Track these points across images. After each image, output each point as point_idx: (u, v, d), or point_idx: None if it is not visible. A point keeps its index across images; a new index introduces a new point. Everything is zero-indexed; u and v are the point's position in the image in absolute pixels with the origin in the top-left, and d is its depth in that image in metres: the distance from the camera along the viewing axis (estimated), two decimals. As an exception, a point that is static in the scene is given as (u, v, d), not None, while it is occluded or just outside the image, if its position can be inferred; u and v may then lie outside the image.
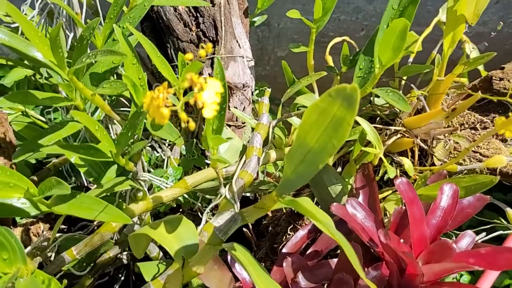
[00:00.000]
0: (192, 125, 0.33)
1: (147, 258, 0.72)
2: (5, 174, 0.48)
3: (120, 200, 0.68)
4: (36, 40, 0.45)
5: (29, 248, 0.58)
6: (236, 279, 0.60)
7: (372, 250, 0.61)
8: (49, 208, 0.53)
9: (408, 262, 0.47)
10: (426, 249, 0.49)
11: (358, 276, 0.54)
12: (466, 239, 0.53)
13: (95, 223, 0.75)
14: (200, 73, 0.72)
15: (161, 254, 0.73)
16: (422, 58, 0.84)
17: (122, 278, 0.76)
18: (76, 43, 0.53)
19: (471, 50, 0.83)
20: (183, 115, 0.32)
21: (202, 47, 0.34)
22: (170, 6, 0.74)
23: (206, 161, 0.74)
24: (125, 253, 0.75)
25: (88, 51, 0.67)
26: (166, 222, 0.51)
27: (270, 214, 0.76)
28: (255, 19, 0.94)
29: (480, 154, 0.65)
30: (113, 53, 0.42)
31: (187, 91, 0.64)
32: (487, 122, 0.67)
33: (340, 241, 0.36)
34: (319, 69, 0.86)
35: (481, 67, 0.80)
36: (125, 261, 0.76)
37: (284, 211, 0.72)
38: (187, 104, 0.78)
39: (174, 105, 0.33)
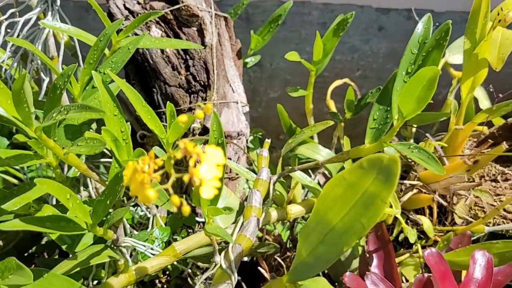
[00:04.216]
0: (186, 209, 0.25)
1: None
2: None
3: (98, 268, 0.59)
4: (-4, 92, 0.38)
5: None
6: None
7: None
8: (11, 289, 0.44)
9: None
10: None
11: None
12: (506, 318, 0.45)
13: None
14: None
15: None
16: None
17: None
18: (49, 93, 0.46)
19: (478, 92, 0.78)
20: (175, 199, 0.24)
21: (200, 107, 0.27)
22: (157, 48, 0.68)
23: (197, 219, 0.66)
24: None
25: (66, 98, 0.60)
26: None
27: (269, 277, 0.67)
28: (247, 60, 0.88)
29: (504, 210, 0.58)
30: (89, 109, 0.35)
31: (176, 143, 0.57)
32: (508, 173, 0.61)
33: None
34: (315, 111, 0.80)
35: (487, 106, 0.75)
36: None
37: (286, 271, 0.63)
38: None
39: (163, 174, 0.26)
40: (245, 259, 0.69)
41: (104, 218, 0.44)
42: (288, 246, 0.68)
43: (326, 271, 0.62)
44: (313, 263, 0.33)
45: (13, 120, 0.39)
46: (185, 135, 0.67)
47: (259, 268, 0.69)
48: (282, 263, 0.66)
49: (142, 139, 0.75)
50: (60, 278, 0.42)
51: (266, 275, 0.68)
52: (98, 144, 0.41)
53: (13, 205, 0.47)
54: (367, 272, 0.45)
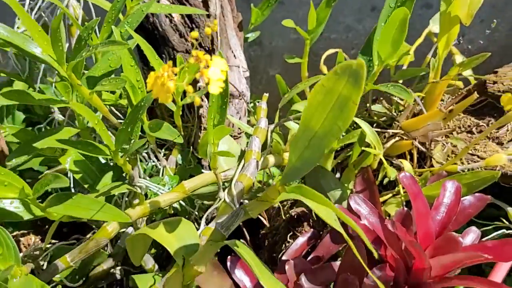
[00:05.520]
0: (198, 100, 0.32)
1: (142, 272, 0.70)
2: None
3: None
4: (35, 34, 0.45)
5: (20, 255, 0.56)
6: (237, 286, 0.58)
7: (376, 255, 0.60)
8: (44, 211, 0.51)
9: (415, 254, 0.46)
10: (432, 244, 0.48)
11: (362, 276, 0.53)
12: (471, 235, 0.52)
13: (87, 236, 0.73)
14: (196, 81, 0.72)
15: (157, 266, 0.70)
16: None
17: (116, 294, 0.73)
18: (75, 44, 0.53)
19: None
20: (189, 88, 0.31)
21: (209, 26, 0.34)
22: (166, 18, 0.75)
23: (203, 170, 0.73)
24: (118, 267, 0.73)
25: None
26: (165, 223, 0.50)
27: (268, 224, 0.74)
28: (248, 35, 0.95)
29: (478, 156, 0.65)
30: (115, 43, 0.42)
31: (186, 94, 0.64)
32: (482, 125, 0.68)
33: (350, 222, 0.35)
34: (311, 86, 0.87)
35: (470, 77, 0.81)
36: (118, 276, 0.73)
37: (284, 217, 0.70)
38: (182, 114, 0.77)
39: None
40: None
41: (125, 149, 0.51)
42: (285, 196, 0.75)
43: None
44: (300, 167, 0.40)
45: (48, 60, 0.46)
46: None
47: (259, 216, 0.76)
48: (281, 210, 0.73)
49: (152, 104, 0.82)
50: (87, 198, 0.49)
51: (265, 222, 0.76)
52: (120, 82, 0.48)
53: (43, 144, 0.54)
54: (350, 194, 0.52)
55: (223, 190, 0.60)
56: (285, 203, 0.75)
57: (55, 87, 0.77)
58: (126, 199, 0.65)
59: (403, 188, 0.63)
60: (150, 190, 0.65)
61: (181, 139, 0.55)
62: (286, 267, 0.55)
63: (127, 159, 0.53)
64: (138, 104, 0.46)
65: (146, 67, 0.78)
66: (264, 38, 1.17)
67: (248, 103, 0.80)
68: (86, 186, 0.61)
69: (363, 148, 0.58)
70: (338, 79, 0.34)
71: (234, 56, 0.78)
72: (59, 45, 0.44)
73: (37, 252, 0.59)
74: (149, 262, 0.69)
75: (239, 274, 0.58)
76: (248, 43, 1.21)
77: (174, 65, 0.76)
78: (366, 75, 0.55)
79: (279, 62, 1.21)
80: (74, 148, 0.46)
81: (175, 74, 0.34)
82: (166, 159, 0.73)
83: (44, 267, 0.60)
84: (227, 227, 0.45)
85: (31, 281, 0.45)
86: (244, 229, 0.75)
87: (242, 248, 0.45)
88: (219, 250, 0.71)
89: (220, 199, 0.59)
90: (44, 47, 0.45)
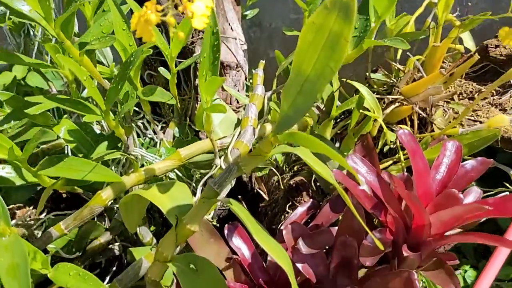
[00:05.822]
0: (182, 35, 0.31)
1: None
2: (-12, 133, 0.46)
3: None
4: (22, -10, 0.44)
5: (13, 221, 0.55)
6: (234, 253, 0.57)
7: (375, 221, 0.58)
8: (35, 175, 0.50)
9: (414, 210, 0.44)
10: (432, 202, 0.47)
11: (361, 239, 0.51)
12: (473, 195, 0.50)
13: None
14: (193, 52, 0.71)
15: (155, 240, 0.70)
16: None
17: (114, 269, 0.72)
18: (65, 7, 0.52)
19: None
20: (171, 20, 0.30)
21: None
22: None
23: (200, 143, 0.72)
24: (116, 244, 0.72)
25: (76, 24, 0.66)
26: (159, 185, 0.49)
27: (267, 198, 0.73)
28: (246, 12, 0.94)
29: (480, 122, 0.64)
30: (101, -7, 0.41)
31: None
32: (485, 91, 0.66)
33: (342, 161, 0.34)
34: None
35: (472, 47, 0.79)
36: (116, 252, 0.72)
37: (282, 187, 0.69)
38: (179, 86, 0.76)
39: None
40: (245, 179, 0.75)
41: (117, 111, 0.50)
42: (284, 168, 0.74)
43: (318, 184, 0.67)
44: (293, 115, 0.38)
45: (35, 18, 0.45)
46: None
47: (259, 190, 0.75)
48: (280, 183, 0.72)
49: (150, 79, 0.81)
50: (78, 160, 0.48)
51: (264, 196, 0.74)
52: (109, 40, 0.47)
53: (35, 110, 0.53)
54: (348, 155, 0.51)
55: (220, 158, 0.59)
56: (284, 175, 0.74)
57: (50, 62, 0.76)
58: (122, 169, 0.64)
59: (404, 154, 0.61)
60: (146, 161, 0.64)
61: (174, 101, 0.54)
62: (284, 232, 0.54)
63: (120, 124, 0.52)
64: (127, 60, 0.45)
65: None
66: (264, 20, 1.16)
67: (246, 76, 0.79)
68: (80, 155, 0.60)
69: (362, 111, 0.57)
70: (328, 13, 0.33)
71: (231, 28, 0.77)
72: (45, 1, 0.43)
73: (32, 222, 0.58)
74: (147, 235, 0.68)
75: (237, 242, 0.57)
76: (248, 25, 1.20)
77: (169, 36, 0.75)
78: (364, 34, 0.54)
79: (279, 44, 1.20)
80: (62, 105, 0.45)
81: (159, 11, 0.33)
82: (164, 133, 0.72)
83: (39, 236, 0.59)
84: (220, 184, 0.44)
85: (21, 243, 0.44)
86: (243, 203, 0.74)
87: (236, 206, 0.44)
88: (218, 225, 0.71)
89: (216, 167, 0.58)
90: (32, 3, 0.44)
